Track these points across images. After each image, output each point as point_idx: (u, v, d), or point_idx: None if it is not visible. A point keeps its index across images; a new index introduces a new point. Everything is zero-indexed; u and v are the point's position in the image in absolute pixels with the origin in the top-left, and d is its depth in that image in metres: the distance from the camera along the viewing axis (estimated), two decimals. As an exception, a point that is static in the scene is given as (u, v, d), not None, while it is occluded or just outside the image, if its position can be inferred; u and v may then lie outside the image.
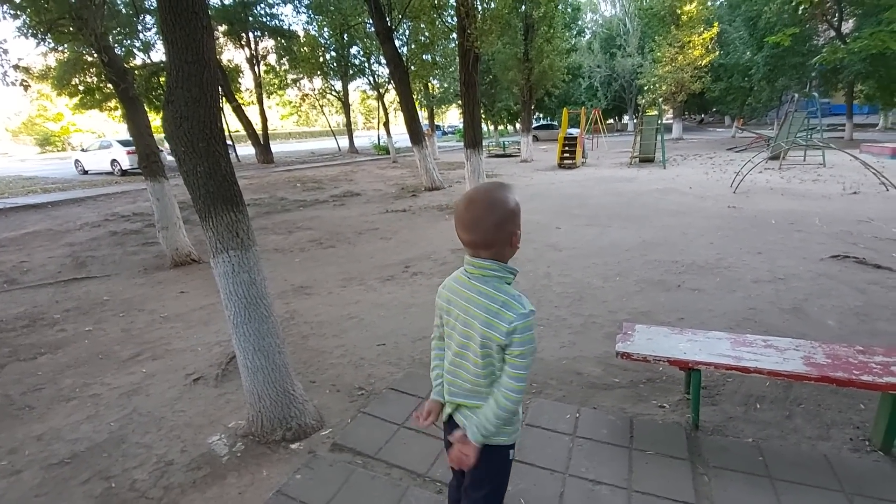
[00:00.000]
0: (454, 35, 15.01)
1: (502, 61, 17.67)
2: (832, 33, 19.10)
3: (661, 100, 22.71)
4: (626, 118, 42.02)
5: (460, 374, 1.33)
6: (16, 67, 6.15)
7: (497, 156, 21.07)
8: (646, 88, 25.04)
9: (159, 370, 3.28)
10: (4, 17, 5.97)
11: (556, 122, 34.66)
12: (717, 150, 18.20)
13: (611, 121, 40.68)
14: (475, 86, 8.59)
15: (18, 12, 5.96)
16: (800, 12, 17.78)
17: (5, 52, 6.02)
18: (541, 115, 38.56)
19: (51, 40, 6.57)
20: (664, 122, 16.71)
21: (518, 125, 39.88)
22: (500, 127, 37.17)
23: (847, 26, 19.18)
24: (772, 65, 21.74)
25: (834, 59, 16.08)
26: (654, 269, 4.90)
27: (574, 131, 17.75)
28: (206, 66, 2.13)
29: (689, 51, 21.64)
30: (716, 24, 22.24)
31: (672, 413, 2.56)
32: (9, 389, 3.13)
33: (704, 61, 21.70)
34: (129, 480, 2.24)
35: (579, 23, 36.13)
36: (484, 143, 11.21)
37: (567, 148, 15.80)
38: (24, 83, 6.34)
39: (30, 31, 6.19)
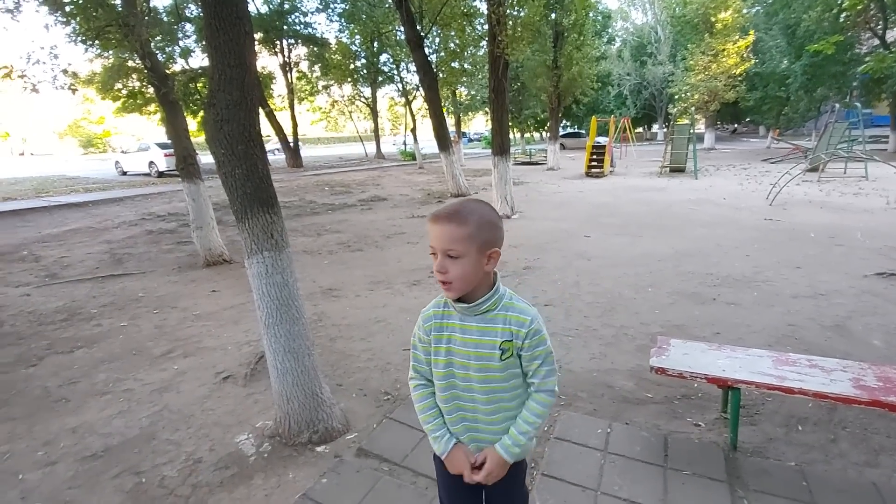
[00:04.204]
0: (484, 42, 15.12)
1: (531, 68, 17.62)
2: (875, 41, 18.38)
3: (693, 109, 22.22)
4: (655, 127, 41.28)
5: None
6: (65, 72, 6.42)
7: (523, 163, 20.97)
8: (677, 97, 24.55)
9: (190, 367, 3.34)
10: (55, 24, 6.26)
11: (583, 131, 34.29)
12: (752, 161, 17.68)
13: (640, 130, 40.02)
14: (504, 92, 8.57)
15: (69, 19, 6.24)
16: (841, 20, 17.18)
17: (55, 57, 6.30)
18: (568, 123, 38.24)
19: (97, 47, 6.85)
20: (696, 131, 16.33)
21: (545, 133, 39.70)
22: (527, 135, 37.02)
23: (892, 34, 18.43)
24: (811, 74, 21.05)
25: (881, 67, 15.46)
26: (688, 280, 4.76)
27: (602, 140, 17.53)
28: (247, 70, 2.17)
29: (724, 59, 21.12)
30: (752, 31, 21.66)
31: (708, 432, 2.45)
32: (46, 382, 3.23)
33: (739, 70, 21.13)
34: (159, 477, 2.27)
35: (609, 31, 35.75)
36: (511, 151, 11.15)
37: (595, 156, 15.60)
38: (73, 87, 6.62)
39: (79, 37, 6.47)
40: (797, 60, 21.33)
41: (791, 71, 22.00)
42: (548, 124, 22.56)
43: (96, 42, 6.32)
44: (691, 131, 15.07)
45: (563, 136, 30.82)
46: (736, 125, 45.04)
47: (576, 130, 35.35)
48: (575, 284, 4.80)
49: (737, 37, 21.06)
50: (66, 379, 3.24)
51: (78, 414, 2.83)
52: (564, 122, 36.66)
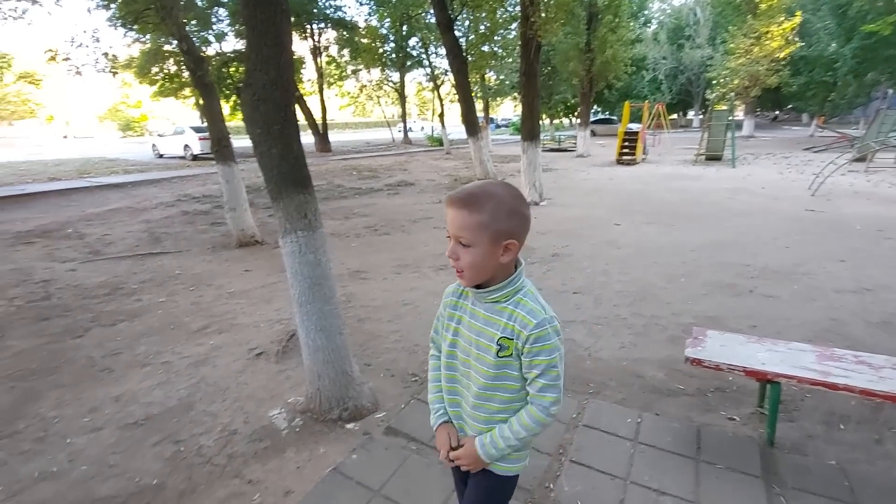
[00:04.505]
0: (514, 25, 14.78)
1: (563, 51, 17.17)
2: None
3: (732, 94, 21.28)
4: (691, 113, 39.88)
5: None
6: (105, 55, 6.61)
7: (552, 150, 20.60)
8: (715, 82, 23.56)
9: (225, 343, 3.45)
10: (97, 8, 6.44)
11: (614, 117, 33.40)
12: (793, 150, 16.92)
13: (674, 116, 38.70)
14: (536, 76, 8.38)
15: (109, 3, 6.41)
16: (899, -1, 16.11)
17: (97, 40, 6.49)
18: (599, 109, 37.27)
19: (136, 30, 7.02)
20: (734, 118, 15.68)
21: (574, 119, 38.83)
22: (556, 121, 36.29)
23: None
24: (861, 57, 19.87)
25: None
26: (723, 271, 4.61)
27: (635, 126, 17.04)
28: (283, 49, 2.18)
29: (767, 42, 20.06)
30: (798, 13, 20.49)
31: (743, 426, 2.39)
32: (91, 352, 3.38)
33: (783, 53, 20.04)
34: (196, 446, 2.36)
35: (646, 12, 34.44)
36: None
37: (627, 143, 15.19)
38: (113, 70, 6.82)
39: (118, 21, 6.64)
40: (847, 43, 20.15)
41: (840, 54, 20.82)
42: (578, 110, 22.05)
43: (135, 25, 6.48)
44: (730, 118, 14.49)
45: (594, 122, 30.11)
46: (777, 112, 43.12)
47: (607, 116, 34.45)
48: (604, 273, 4.72)
49: (782, 18, 19.94)
50: (109, 350, 3.39)
51: (121, 383, 2.96)
52: (595, 107, 35.73)
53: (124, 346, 3.46)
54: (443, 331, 1.23)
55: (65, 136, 50.26)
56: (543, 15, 7.92)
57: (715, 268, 4.73)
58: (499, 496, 1.23)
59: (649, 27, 35.44)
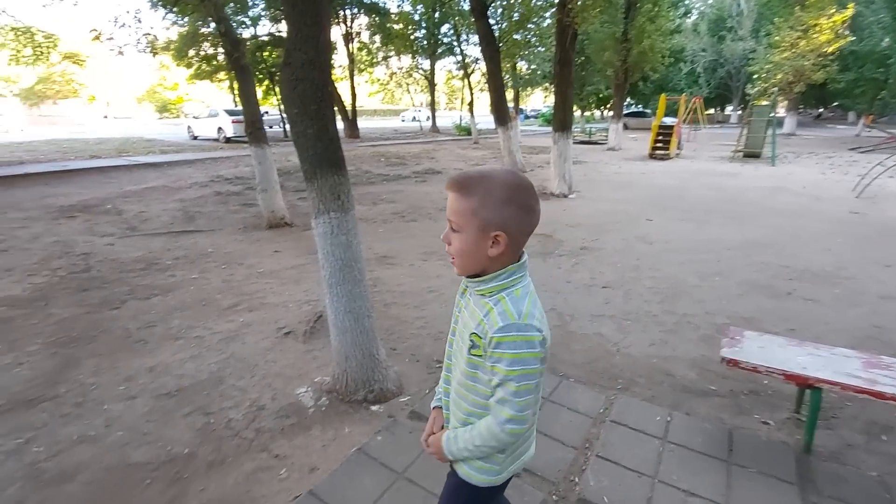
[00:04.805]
0: (548, 14, 14.44)
1: (598, 41, 16.73)
2: None
3: (775, 90, 20.40)
4: (728, 109, 38.50)
5: None
6: (146, 35, 6.77)
7: (582, 142, 20.19)
8: (756, 77, 22.61)
9: (254, 321, 3.51)
10: (140, -11, 6.59)
11: (648, 110, 32.49)
12: (837, 150, 16.15)
13: (711, 111, 37.42)
14: (570, 65, 8.19)
15: (151, -16, 6.55)
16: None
17: (139, 21, 6.65)
18: (632, 102, 36.30)
19: (176, 12, 7.16)
20: (776, 114, 15.03)
21: (605, 111, 37.90)
22: (587, 112, 35.55)
23: None
24: (917, 54, 18.73)
25: None
26: (760, 271, 4.45)
27: (670, 120, 16.53)
28: (322, 28, 2.17)
29: (815, 35, 19.09)
30: (850, 5, 19.40)
31: (778, 431, 2.31)
32: (127, 323, 3.50)
33: (832, 48, 19.03)
34: (226, 419, 2.42)
35: (686, 2, 33.21)
36: (571, 128, 10.70)
37: (661, 137, 14.76)
38: (154, 51, 6.97)
39: (160, 2, 6.78)
40: (903, 38, 19.04)
41: (894, 50, 19.66)
42: (610, 102, 21.49)
43: (175, 7, 6.60)
44: (772, 114, 13.90)
45: (627, 114, 29.33)
46: (821, 109, 41.25)
47: (640, 109, 33.51)
48: (635, 268, 4.61)
49: (832, 10, 18.93)
50: (144, 322, 3.50)
51: (154, 355, 3.05)
52: (628, 100, 34.82)
53: (158, 319, 3.56)
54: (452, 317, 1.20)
55: (105, 117, 51.97)
56: (581, 2, 7.70)
57: (751, 268, 4.57)
58: (457, 499, 1.18)
59: (689, 17, 34.20)
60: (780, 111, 23.82)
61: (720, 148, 17.14)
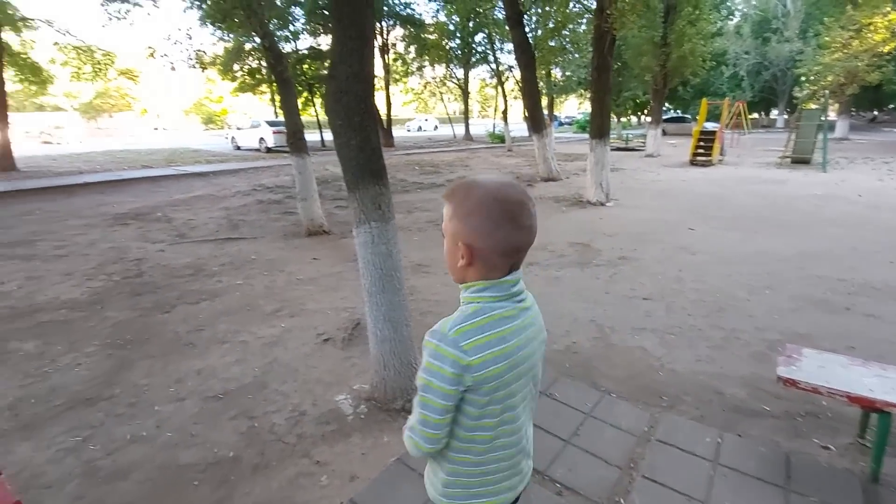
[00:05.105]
0: (583, 20, 14.27)
1: (635, 46, 16.39)
2: None
3: (825, 92, 19.43)
4: (774, 113, 36.91)
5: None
6: (197, 52, 7.12)
7: (619, 149, 19.80)
8: (805, 79, 21.59)
9: (295, 327, 3.59)
10: (190, 7, 6.94)
11: (688, 115, 31.56)
12: (895, 155, 15.20)
13: (755, 115, 35.96)
14: (608, 70, 8.06)
15: (201, 3, 6.89)
16: None
17: (190, 38, 6.99)
18: (671, 107, 35.36)
19: (223, 29, 7.50)
20: (826, 118, 14.31)
21: (643, 117, 36.99)
22: (624, 119, 34.82)
23: None
24: None
25: None
26: (815, 285, 4.21)
27: (712, 125, 15.99)
28: (366, 42, 2.21)
29: (868, 35, 18.07)
30: (908, 1, 18.29)
31: (840, 458, 2.17)
32: (177, 327, 3.65)
33: (887, 48, 17.96)
34: (269, 423, 2.47)
35: (728, 4, 32.17)
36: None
37: (702, 143, 14.30)
38: (203, 66, 7.32)
39: (208, 20, 7.11)
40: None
41: (958, 48, 18.37)
42: (647, 108, 20.95)
43: (223, 24, 6.91)
44: (823, 118, 13.24)
45: (666, 120, 28.57)
46: (876, 112, 38.97)
47: (679, 115, 32.60)
48: (677, 280, 4.46)
49: (888, 8, 17.88)
50: (193, 326, 3.64)
51: (203, 358, 3.16)
52: (667, 105, 33.93)
53: (206, 323, 3.70)
54: None
55: (155, 128, 54.77)
56: (619, 6, 7.59)
57: (805, 281, 4.33)
58: None
59: (731, 20, 33.07)
60: (831, 114, 22.66)
61: (766, 154, 16.44)
